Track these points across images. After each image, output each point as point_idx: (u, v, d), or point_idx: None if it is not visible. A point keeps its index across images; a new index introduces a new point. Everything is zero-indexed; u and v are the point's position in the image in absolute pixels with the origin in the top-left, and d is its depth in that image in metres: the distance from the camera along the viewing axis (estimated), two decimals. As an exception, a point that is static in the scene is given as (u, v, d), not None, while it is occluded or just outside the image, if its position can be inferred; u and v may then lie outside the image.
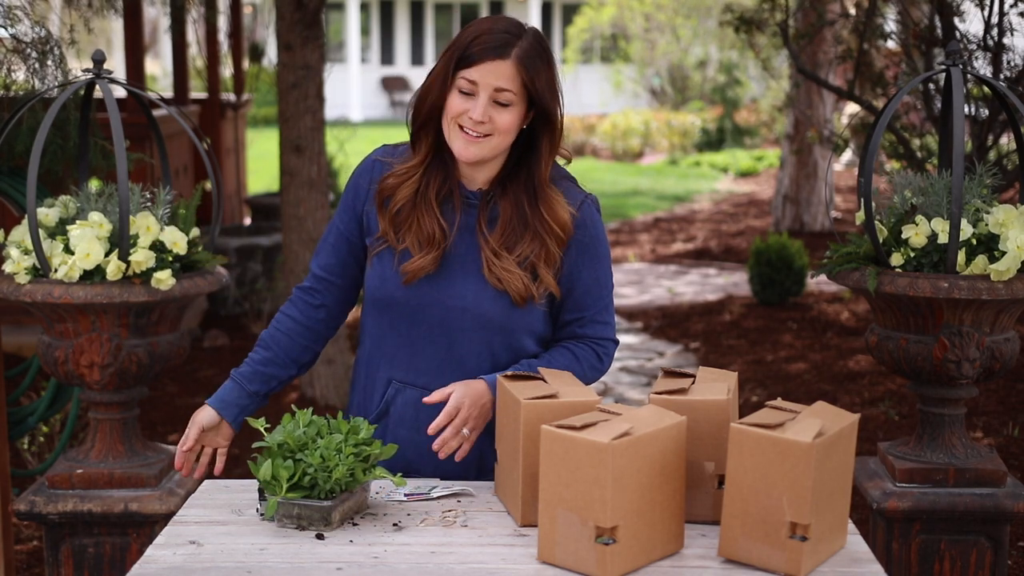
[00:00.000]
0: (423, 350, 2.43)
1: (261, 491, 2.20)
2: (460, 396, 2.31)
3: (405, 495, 2.30)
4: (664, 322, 8.13)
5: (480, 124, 2.29)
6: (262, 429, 2.19)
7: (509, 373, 2.27)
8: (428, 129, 2.38)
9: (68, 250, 2.84)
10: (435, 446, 2.30)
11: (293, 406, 2.25)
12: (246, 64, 10.46)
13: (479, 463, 2.44)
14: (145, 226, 2.87)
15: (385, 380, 2.47)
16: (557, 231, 2.37)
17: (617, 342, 2.52)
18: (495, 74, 2.28)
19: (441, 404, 2.33)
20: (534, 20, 26.88)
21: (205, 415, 2.41)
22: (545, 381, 2.24)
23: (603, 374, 2.52)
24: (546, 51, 2.33)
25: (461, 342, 2.41)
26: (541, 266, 2.37)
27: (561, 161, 2.46)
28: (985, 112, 5.00)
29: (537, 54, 2.30)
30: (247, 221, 10.22)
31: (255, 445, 2.16)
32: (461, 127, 2.31)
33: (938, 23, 5.06)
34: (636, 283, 9.60)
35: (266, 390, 2.47)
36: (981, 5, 4.92)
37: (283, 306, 2.54)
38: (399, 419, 2.46)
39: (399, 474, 2.28)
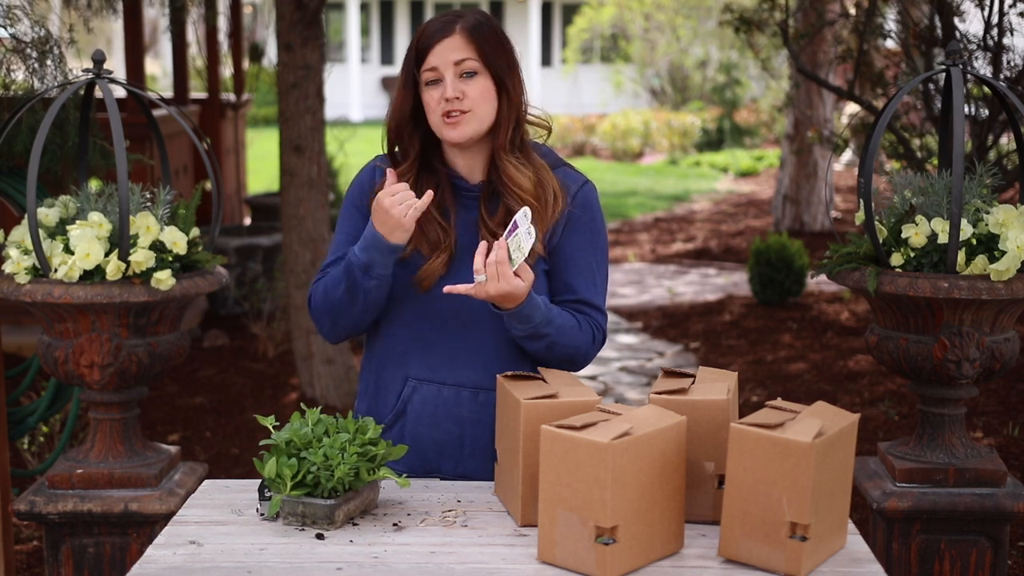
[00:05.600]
0: (437, 344, 2.44)
1: (261, 491, 2.20)
2: (509, 278, 2.25)
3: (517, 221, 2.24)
4: (664, 322, 8.13)
5: (456, 100, 2.35)
6: (270, 427, 2.19)
7: (509, 373, 2.28)
8: (409, 140, 2.45)
9: (68, 250, 2.84)
10: (482, 264, 2.25)
11: (302, 404, 2.26)
12: (246, 64, 10.46)
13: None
14: (145, 226, 2.87)
15: (400, 379, 2.47)
16: (519, 194, 2.39)
17: (605, 336, 2.51)
18: (449, 49, 2.36)
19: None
20: (534, 20, 26.86)
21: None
22: (545, 381, 2.25)
23: (594, 355, 2.49)
24: (491, 23, 2.42)
25: (475, 332, 2.42)
26: None
27: (541, 135, 2.50)
28: (985, 112, 5.00)
29: (482, 24, 2.39)
30: (247, 221, 10.22)
31: (263, 443, 2.16)
32: (444, 115, 2.37)
33: (938, 23, 5.06)
34: (636, 283, 9.60)
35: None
36: (981, 5, 4.92)
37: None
38: (417, 417, 2.46)
39: (404, 474, 2.28)
